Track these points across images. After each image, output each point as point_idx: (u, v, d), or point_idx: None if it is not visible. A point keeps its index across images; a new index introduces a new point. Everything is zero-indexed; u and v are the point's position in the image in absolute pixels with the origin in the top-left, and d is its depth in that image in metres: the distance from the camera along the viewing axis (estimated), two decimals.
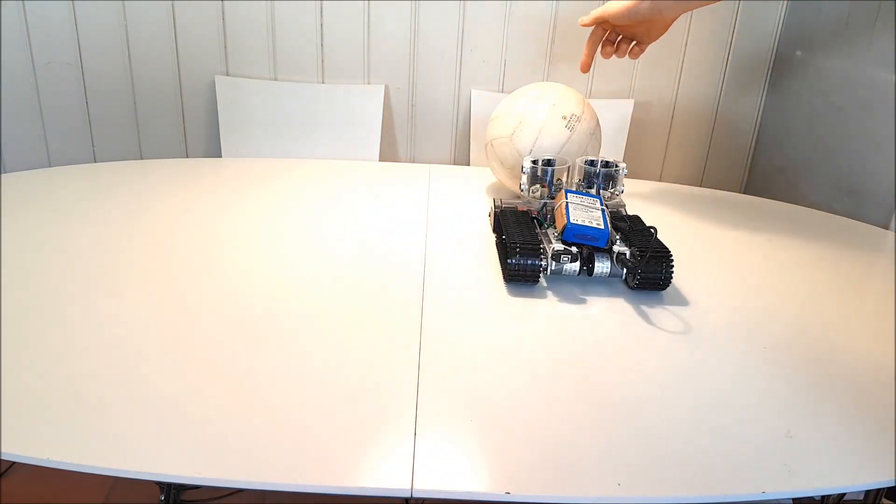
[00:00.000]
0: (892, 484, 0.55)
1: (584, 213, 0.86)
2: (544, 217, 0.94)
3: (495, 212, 0.98)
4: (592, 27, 1.11)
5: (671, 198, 1.28)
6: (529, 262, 0.82)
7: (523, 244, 0.83)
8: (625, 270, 0.85)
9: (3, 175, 1.14)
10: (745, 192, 1.64)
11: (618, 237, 0.87)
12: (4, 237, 0.90)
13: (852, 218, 1.24)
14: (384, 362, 0.66)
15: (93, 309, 0.73)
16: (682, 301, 0.84)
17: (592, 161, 1.00)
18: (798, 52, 1.47)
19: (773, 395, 0.65)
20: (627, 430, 0.59)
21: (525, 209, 0.98)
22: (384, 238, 0.98)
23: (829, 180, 1.35)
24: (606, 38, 1.12)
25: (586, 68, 1.11)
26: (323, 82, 1.53)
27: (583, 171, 1.00)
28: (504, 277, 0.86)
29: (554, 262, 0.83)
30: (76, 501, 1.30)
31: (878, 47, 1.23)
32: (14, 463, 1.37)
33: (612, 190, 0.99)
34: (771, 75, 1.56)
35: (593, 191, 0.98)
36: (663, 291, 0.86)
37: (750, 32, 1.54)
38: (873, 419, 0.62)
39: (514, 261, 0.82)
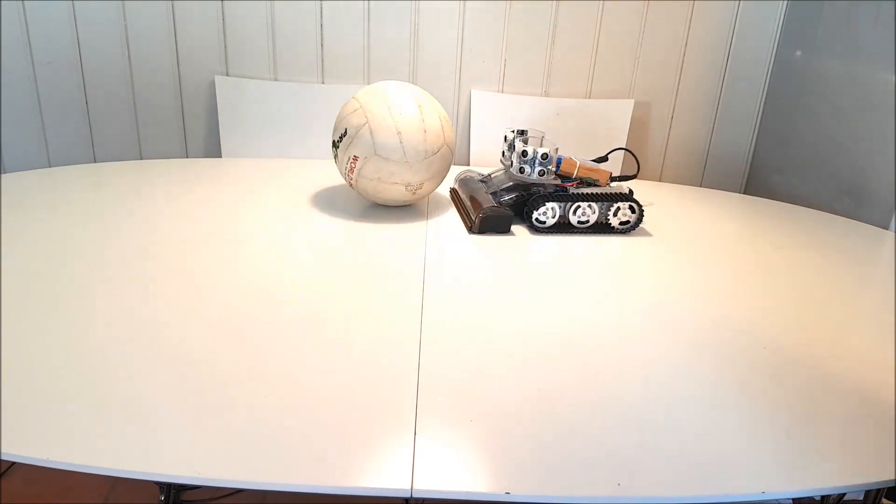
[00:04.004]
0: (893, 484, 0.55)
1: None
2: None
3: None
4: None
5: (671, 198, 1.28)
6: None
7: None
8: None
9: (3, 175, 1.14)
10: (745, 192, 1.64)
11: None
12: (4, 237, 0.90)
13: (852, 218, 1.24)
14: (384, 363, 0.66)
15: (92, 309, 0.73)
16: (682, 301, 0.84)
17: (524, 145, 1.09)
18: (798, 52, 1.47)
19: (773, 395, 0.65)
20: (627, 429, 0.59)
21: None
22: (384, 237, 0.98)
23: (829, 180, 1.35)
24: None
25: None
26: (323, 82, 1.53)
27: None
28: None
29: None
30: (76, 501, 1.30)
31: (878, 47, 1.23)
32: (14, 463, 1.37)
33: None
34: (771, 75, 1.56)
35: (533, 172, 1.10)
36: (663, 291, 0.86)
37: (750, 32, 1.54)
38: (873, 419, 0.62)
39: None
